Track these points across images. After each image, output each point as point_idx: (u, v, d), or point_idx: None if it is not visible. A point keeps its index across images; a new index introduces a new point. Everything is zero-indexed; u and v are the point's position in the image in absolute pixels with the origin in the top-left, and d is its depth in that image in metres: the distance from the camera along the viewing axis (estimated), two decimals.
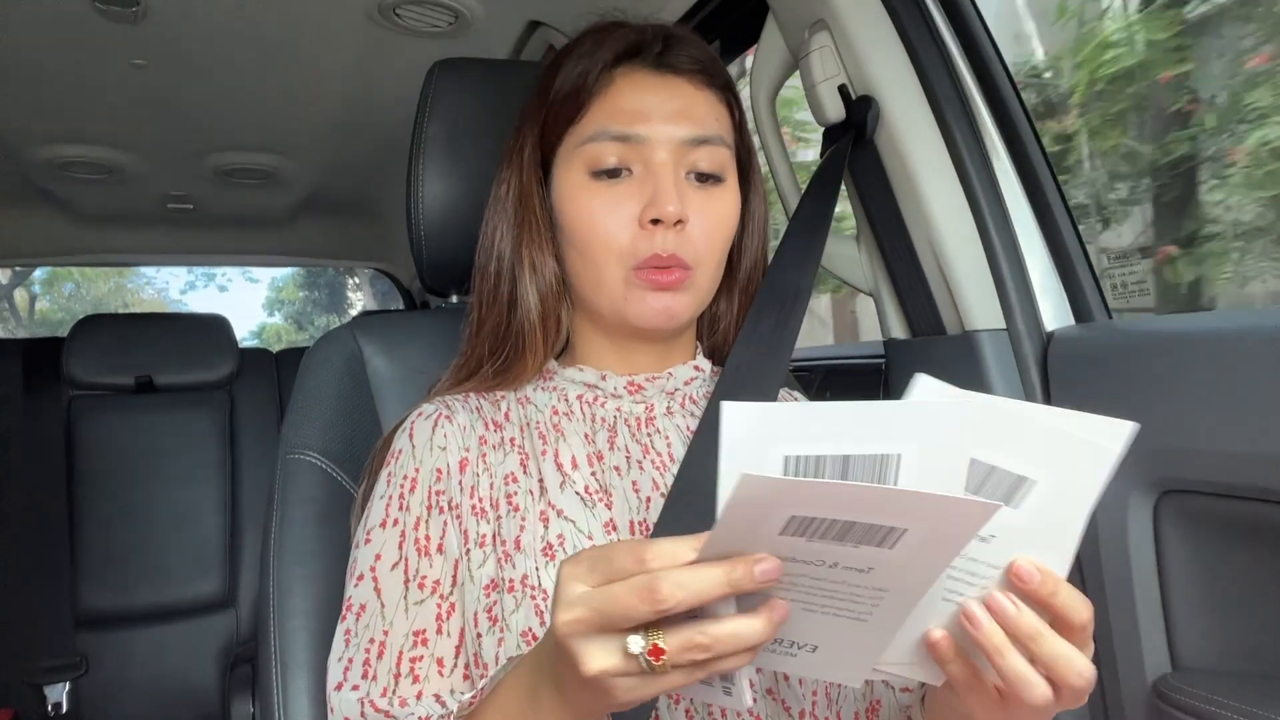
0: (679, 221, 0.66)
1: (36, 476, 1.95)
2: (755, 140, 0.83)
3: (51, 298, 14.92)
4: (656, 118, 0.68)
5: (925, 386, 0.43)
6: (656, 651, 0.40)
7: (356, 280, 14.81)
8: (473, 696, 0.55)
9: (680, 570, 0.40)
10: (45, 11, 1.28)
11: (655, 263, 0.67)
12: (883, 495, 0.37)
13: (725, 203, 0.71)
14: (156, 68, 1.50)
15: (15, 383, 2.02)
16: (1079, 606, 0.43)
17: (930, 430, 0.38)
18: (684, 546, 0.41)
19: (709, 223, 0.69)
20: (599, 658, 0.42)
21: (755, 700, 0.43)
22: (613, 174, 0.68)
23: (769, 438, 0.38)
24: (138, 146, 1.91)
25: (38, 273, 13.49)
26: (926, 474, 0.38)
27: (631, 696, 0.43)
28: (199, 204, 2.35)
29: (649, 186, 0.67)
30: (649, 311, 0.68)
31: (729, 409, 0.38)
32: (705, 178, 0.70)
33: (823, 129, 1.06)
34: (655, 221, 0.66)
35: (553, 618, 0.43)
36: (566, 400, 0.74)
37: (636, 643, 0.41)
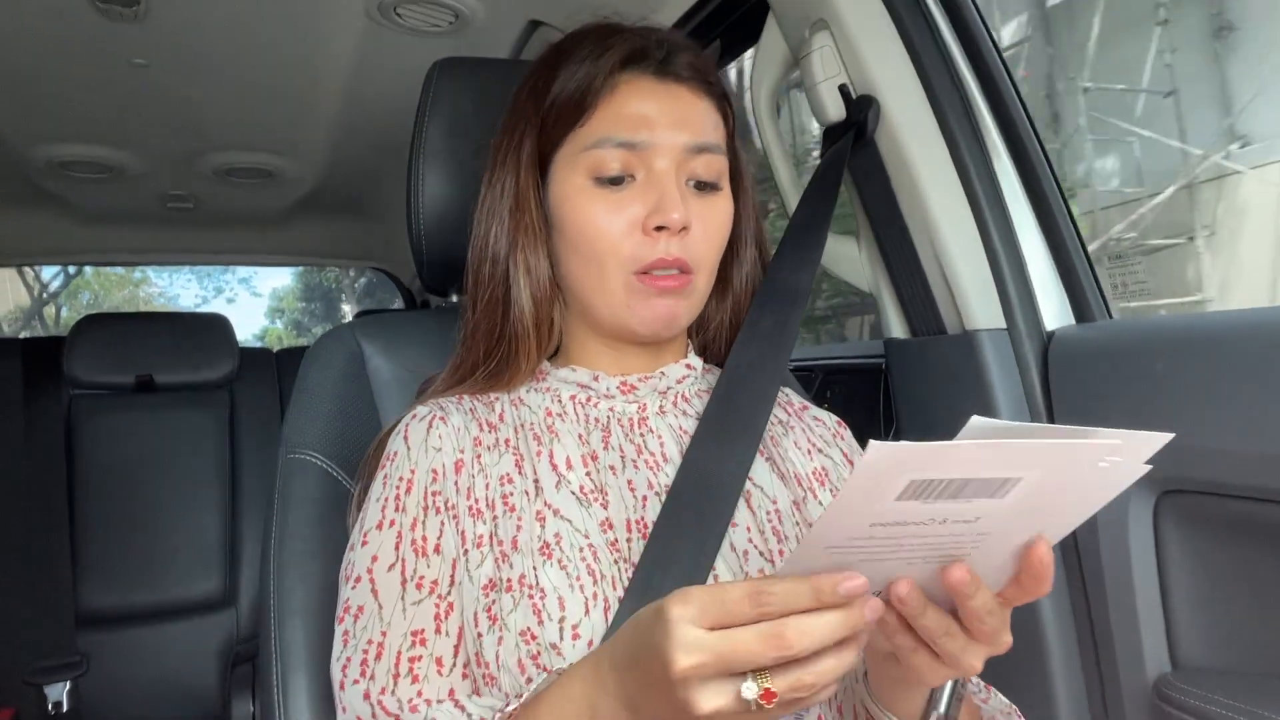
0: (683, 228, 0.68)
1: (37, 475, 1.95)
2: (755, 140, 0.83)
3: (69, 308, 15.40)
4: (660, 125, 0.69)
5: (975, 427, 0.43)
6: (769, 695, 0.42)
7: (344, 295, 15.76)
8: (513, 711, 0.55)
9: (803, 618, 0.41)
10: (46, 11, 1.28)
11: (660, 266, 0.68)
12: (1004, 450, 0.38)
13: (723, 210, 0.73)
14: (157, 67, 1.50)
15: (15, 382, 2.02)
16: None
17: (1052, 461, 0.39)
18: (802, 590, 0.42)
19: (709, 229, 0.71)
20: (712, 699, 0.43)
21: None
22: (616, 181, 0.69)
23: (900, 469, 0.39)
24: (138, 146, 1.91)
25: (58, 283, 13.98)
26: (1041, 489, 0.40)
27: None
28: (199, 203, 2.35)
29: (653, 193, 0.68)
30: (651, 316, 0.69)
31: (876, 448, 0.37)
32: (704, 186, 0.71)
33: (823, 128, 1.06)
34: (659, 229, 0.67)
35: (669, 658, 0.43)
36: (560, 401, 0.74)
37: (750, 689, 0.42)
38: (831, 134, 1.04)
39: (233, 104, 1.70)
